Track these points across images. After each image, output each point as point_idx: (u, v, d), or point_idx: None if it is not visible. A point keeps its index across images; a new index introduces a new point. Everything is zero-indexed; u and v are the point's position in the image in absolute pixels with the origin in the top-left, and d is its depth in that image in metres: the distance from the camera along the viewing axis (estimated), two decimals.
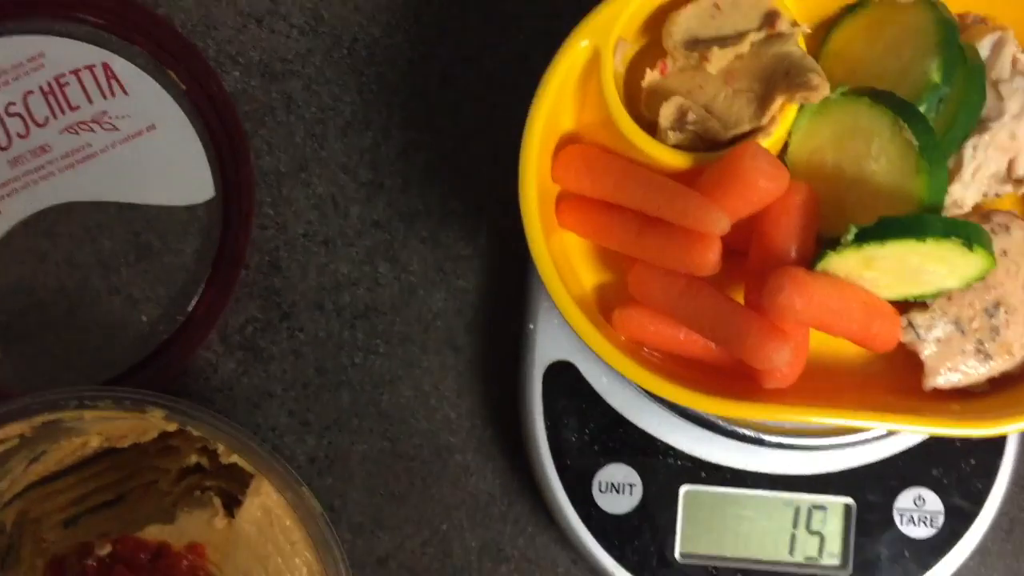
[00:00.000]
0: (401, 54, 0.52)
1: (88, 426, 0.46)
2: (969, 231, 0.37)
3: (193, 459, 0.46)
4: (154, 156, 0.51)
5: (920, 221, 0.37)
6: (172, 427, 0.45)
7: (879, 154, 0.39)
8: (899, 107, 0.39)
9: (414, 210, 0.52)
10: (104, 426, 0.46)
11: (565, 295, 0.41)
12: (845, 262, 0.39)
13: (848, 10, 0.43)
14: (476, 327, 0.52)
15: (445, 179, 0.52)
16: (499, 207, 0.51)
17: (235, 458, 0.43)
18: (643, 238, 0.41)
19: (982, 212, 0.43)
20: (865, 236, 0.38)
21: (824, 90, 0.40)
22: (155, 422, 0.45)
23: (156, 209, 0.51)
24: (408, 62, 0.52)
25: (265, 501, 0.43)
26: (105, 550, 0.44)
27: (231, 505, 0.44)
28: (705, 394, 0.40)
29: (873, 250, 0.38)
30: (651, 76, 0.43)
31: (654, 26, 0.43)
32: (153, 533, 0.44)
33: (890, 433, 0.46)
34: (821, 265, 0.39)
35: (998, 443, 0.47)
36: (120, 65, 0.50)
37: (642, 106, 0.43)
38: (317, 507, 0.43)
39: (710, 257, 0.40)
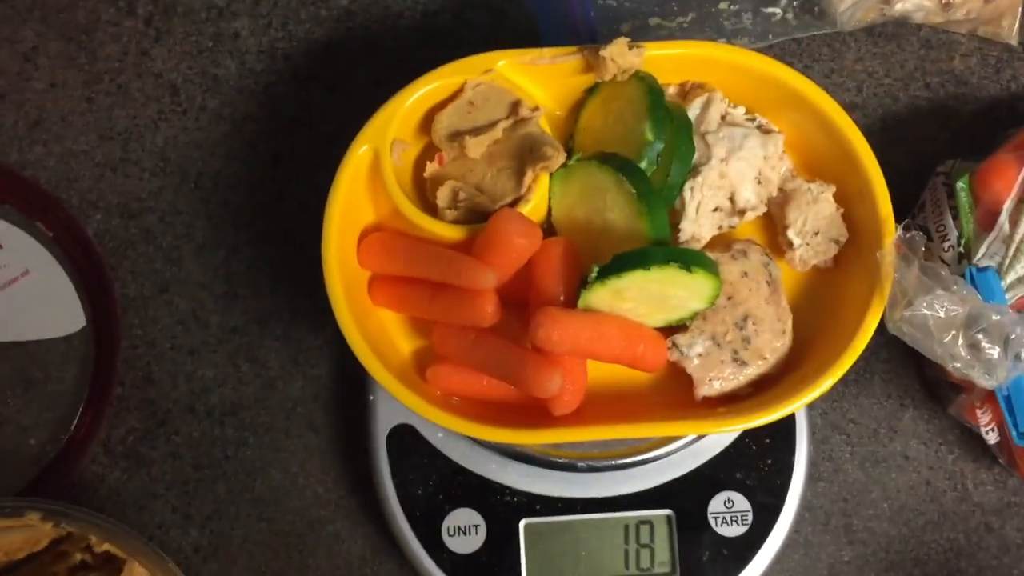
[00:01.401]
0: (241, 180, 0.60)
1: None
2: (686, 256, 0.45)
3: (78, 558, 0.51)
4: (29, 297, 0.57)
5: (643, 253, 0.44)
6: (61, 532, 0.50)
7: (613, 205, 0.47)
8: (619, 164, 0.47)
9: (267, 313, 0.59)
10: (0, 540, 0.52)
11: (375, 363, 0.48)
12: (599, 298, 0.46)
13: (588, 92, 0.51)
14: (332, 408, 0.58)
15: (291, 282, 0.59)
16: None
17: (107, 546, 0.48)
18: (436, 302, 0.48)
19: (725, 242, 0.50)
20: (605, 272, 0.45)
21: (559, 158, 0.48)
22: (44, 531, 0.51)
23: (36, 344, 0.57)
24: (248, 185, 0.60)
25: None
26: None
27: None
28: (502, 427, 0.47)
29: (615, 283, 0.45)
30: (431, 167, 0.51)
31: (429, 127, 0.51)
32: None
33: (691, 443, 0.52)
34: (581, 303, 0.46)
35: (788, 442, 0.54)
36: None
37: (428, 194, 0.51)
38: None
39: (488, 309, 0.47)
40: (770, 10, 0.56)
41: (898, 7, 0.56)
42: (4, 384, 0.57)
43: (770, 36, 0.55)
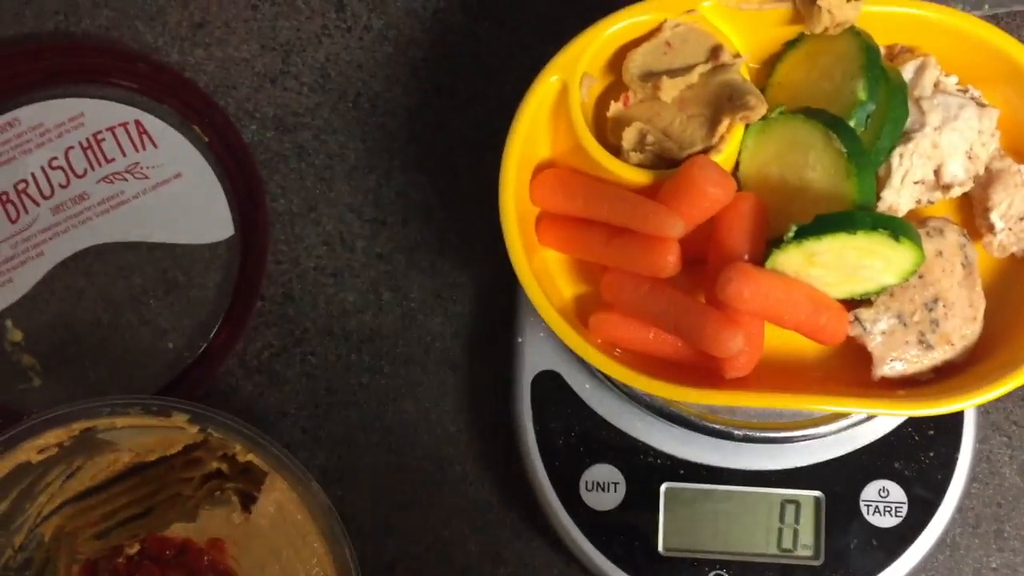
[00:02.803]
0: (400, 105, 0.58)
1: (120, 438, 0.51)
2: (895, 224, 0.42)
3: (214, 466, 0.50)
4: (180, 200, 0.56)
5: (850, 216, 0.42)
6: (196, 438, 0.50)
7: (815, 163, 0.44)
8: (829, 121, 0.44)
9: (414, 243, 0.57)
10: (134, 440, 0.51)
11: (545, 302, 0.46)
12: (790, 259, 0.44)
13: (788, 45, 0.49)
14: (471, 347, 0.56)
15: (441, 214, 0.57)
16: (490, 236, 0.56)
17: (251, 457, 0.47)
18: (612, 247, 0.46)
19: (919, 219, 0.47)
20: (804, 232, 0.42)
21: (761, 109, 0.45)
22: (180, 436, 0.50)
23: (181, 248, 0.56)
24: (406, 111, 0.58)
25: (278, 497, 0.47)
26: (134, 549, 0.49)
27: (248, 503, 0.48)
28: (669, 383, 0.45)
29: (812, 245, 0.42)
30: (615, 107, 0.48)
31: (617, 65, 0.49)
32: (177, 531, 0.48)
33: (853, 425, 0.50)
34: (769, 263, 0.44)
35: (954, 436, 0.51)
36: (150, 121, 0.57)
37: (608, 134, 0.49)
38: (326, 501, 0.47)
39: (670, 259, 0.44)
40: None
41: None
42: (147, 285, 0.56)
43: (986, 5, 0.52)
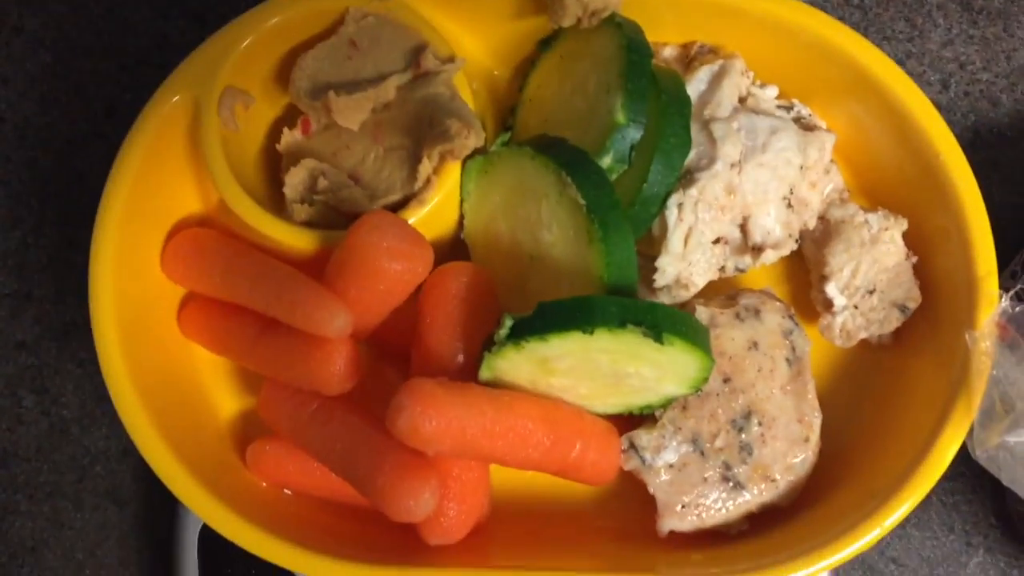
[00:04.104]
0: (59, 134, 0.44)
1: None
2: (656, 317, 0.27)
3: None
4: None
5: (585, 306, 0.27)
6: None
7: (550, 220, 0.30)
8: (565, 157, 0.29)
9: (70, 325, 0.43)
10: None
11: (153, 442, 0.32)
12: (513, 366, 0.29)
13: (542, 45, 0.34)
14: (144, 470, 0.41)
15: None
16: None
17: None
18: (262, 347, 0.31)
19: (728, 293, 0.33)
20: (521, 330, 0.27)
21: (469, 140, 0.30)
22: None
23: None
24: (68, 143, 0.44)
25: None
26: None
27: None
28: (343, 559, 0.29)
29: (539, 348, 0.28)
30: (289, 137, 0.34)
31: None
32: None
33: None
34: (485, 371, 0.29)
35: None
36: None
37: (282, 175, 0.33)
38: None
39: (335, 368, 0.30)
40: None
41: None
42: None
43: None
